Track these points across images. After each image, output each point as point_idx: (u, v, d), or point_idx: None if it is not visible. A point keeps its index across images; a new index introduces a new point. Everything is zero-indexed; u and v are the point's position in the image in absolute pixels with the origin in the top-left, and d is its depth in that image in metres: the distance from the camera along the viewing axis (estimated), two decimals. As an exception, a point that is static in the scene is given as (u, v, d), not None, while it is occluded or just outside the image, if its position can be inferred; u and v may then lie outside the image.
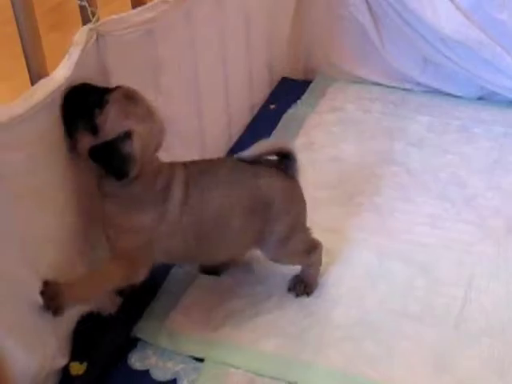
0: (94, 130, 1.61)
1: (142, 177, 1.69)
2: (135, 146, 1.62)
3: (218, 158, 1.95)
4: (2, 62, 3.19)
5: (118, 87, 1.67)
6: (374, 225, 2.26)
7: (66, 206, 1.69)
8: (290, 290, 2.02)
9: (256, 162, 1.86)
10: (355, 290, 2.03)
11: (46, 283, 1.62)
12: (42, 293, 1.61)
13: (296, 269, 2.01)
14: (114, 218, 1.73)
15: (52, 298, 1.61)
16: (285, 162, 1.89)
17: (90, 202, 1.77)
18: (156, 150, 1.73)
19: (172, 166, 1.79)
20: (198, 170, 1.82)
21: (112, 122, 1.61)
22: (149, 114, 1.69)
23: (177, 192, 1.75)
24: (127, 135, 1.61)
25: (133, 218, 1.72)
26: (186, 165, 1.82)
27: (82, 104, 1.62)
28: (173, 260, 1.94)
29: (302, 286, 2.00)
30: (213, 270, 2.08)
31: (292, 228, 1.91)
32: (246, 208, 1.82)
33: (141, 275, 1.79)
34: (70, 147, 1.67)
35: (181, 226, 1.77)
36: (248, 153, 1.86)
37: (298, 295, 2.00)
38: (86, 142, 1.62)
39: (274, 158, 1.90)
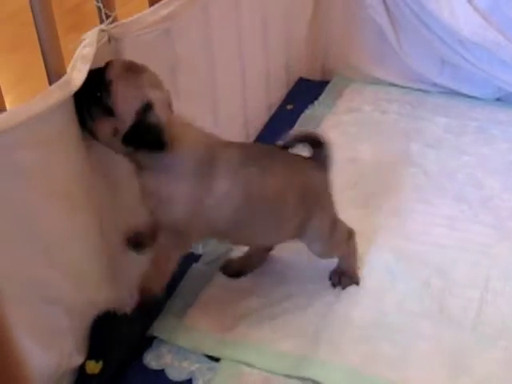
0: (110, 113, 1.58)
1: (171, 144, 1.65)
2: (159, 113, 1.61)
3: (269, 145, 1.93)
4: (21, 63, 3.22)
5: (110, 62, 1.63)
6: (391, 226, 2.25)
7: (84, 203, 1.69)
8: (334, 285, 2.03)
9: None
10: (373, 291, 2.02)
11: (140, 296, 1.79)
12: (139, 303, 1.81)
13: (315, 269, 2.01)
14: (153, 190, 1.70)
15: (145, 302, 1.79)
16: (319, 152, 1.90)
17: (107, 199, 1.78)
18: (171, 111, 1.71)
19: (225, 144, 1.78)
20: (257, 150, 1.85)
21: (125, 99, 1.58)
22: (156, 80, 1.67)
23: (225, 168, 1.72)
24: (148, 106, 1.59)
25: (172, 188, 1.69)
26: (242, 145, 1.84)
27: (87, 93, 1.58)
28: (215, 235, 1.90)
29: (347, 279, 2.02)
30: (233, 273, 2.08)
31: (334, 218, 1.94)
32: (298, 195, 1.83)
33: (188, 246, 1.85)
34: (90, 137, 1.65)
35: (229, 204, 1.74)
36: (286, 139, 1.88)
37: (344, 287, 2.02)
38: (105, 127, 1.60)
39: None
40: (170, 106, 1.70)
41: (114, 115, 1.58)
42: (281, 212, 1.83)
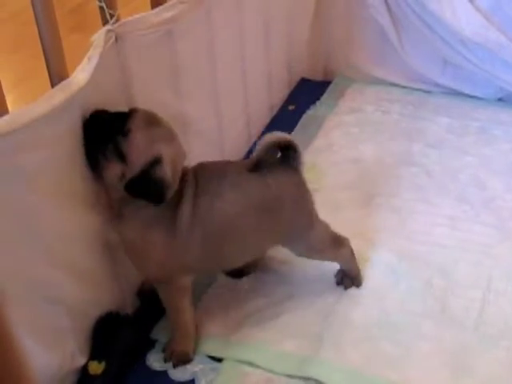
0: (122, 158, 1.62)
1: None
2: (167, 170, 1.64)
3: (226, 161, 1.94)
4: (23, 63, 3.22)
5: (134, 111, 1.67)
6: (393, 226, 2.25)
7: (86, 204, 1.70)
8: (338, 283, 2.03)
9: (261, 161, 1.81)
10: (375, 291, 2.03)
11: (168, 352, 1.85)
12: (173, 363, 1.84)
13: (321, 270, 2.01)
14: (135, 243, 1.74)
15: (178, 359, 1.84)
16: (287, 154, 1.84)
17: (109, 201, 1.78)
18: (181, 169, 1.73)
19: (184, 174, 1.76)
20: (206, 176, 1.79)
21: (139, 150, 1.62)
22: (171, 135, 1.70)
23: (186, 205, 1.74)
24: (157, 160, 1.63)
25: (152, 238, 1.73)
26: (195, 171, 1.79)
27: (104, 132, 1.62)
28: (194, 272, 1.87)
29: (349, 280, 2.02)
30: (235, 273, 2.08)
31: (309, 220, 1.90)
32: (257, 209, 1.79)
33: (183, 287, 1.83)
34: (94, 174, 1.69)
35: (193, 238, 1.75)
36: (255, 153, 1.83)
37: (346, 288, 2.02)
38: (114, 169, 1.63)
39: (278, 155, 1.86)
40: (180, 161, 1.72)
41: (126, 162, 1.62)
42: (246, 230, 1.81)
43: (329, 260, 2.00)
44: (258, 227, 1.82)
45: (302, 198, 1.88)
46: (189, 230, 1.74)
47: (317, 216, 1.92)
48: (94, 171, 1.68)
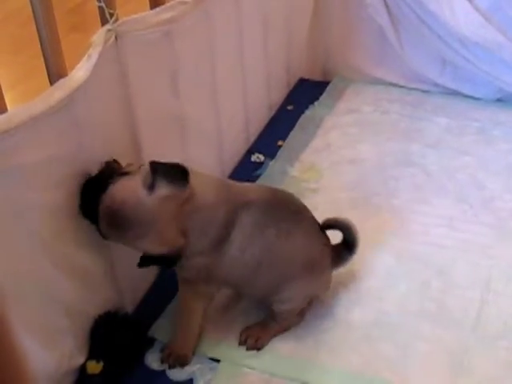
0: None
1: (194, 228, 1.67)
2: (156, 243, 1.62)
3: (303, 205, 1.88)
4: (22, 63, 3.22)
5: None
6: (391, 226, 2.25)
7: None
8: (240, 344, 1.91)
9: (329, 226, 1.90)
10: (373, 292, 2.03)
11: (167, 353, 1.85)
12: (169, 364, 1.84)
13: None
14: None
15: (175, 360, 1.83)
16: (342, 250, 1.93)
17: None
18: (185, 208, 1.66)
19: (238, 203, 1.74)
20: (281, 209, 1.80)
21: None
22: (143, 219, 1.61)
23: (239, 231, 1.72)
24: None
25: (195, 258, 1.72)
26: (264, 202, 1.78)
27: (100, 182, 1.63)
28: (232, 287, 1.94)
29: (253, 340, 1.90)
30: None
31: (305, 296, 1.91)
32: (306, 263, 1.83)
33: (208, 297, 1.85)
34: None
35: (239, 263, 1.76)
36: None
37: (247, 349, 1.90)
38: None
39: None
40: (183, 204, 1.65)
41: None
42: (283, 277, 1.82)
43: (285, 317, 1.92)
44: (294, 275, 1.82)
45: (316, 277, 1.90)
46: (238, 254, 1.74)
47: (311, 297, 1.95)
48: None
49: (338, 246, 1.93)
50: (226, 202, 1.73)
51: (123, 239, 1.64)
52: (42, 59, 1.59)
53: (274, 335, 1.91)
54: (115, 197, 1.59)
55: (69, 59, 1.63)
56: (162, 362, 1.85)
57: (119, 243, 1.66)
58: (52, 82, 1.58)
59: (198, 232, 1.68)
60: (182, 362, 1.84)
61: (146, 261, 1.68)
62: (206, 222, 1.69)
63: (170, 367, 1.84)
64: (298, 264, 1.82)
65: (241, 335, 1.91)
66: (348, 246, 1.92)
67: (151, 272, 2.07)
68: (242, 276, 1.79)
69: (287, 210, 1.83)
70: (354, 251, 1.92)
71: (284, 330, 1.92)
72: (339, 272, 2.00)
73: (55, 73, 1.58)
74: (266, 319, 1.93)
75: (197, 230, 1.67)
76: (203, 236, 1.69)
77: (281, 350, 1.87)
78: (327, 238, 1.90)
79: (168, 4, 1.92)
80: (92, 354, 1.79)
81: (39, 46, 1.58)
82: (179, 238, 1.63)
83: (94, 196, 1.61)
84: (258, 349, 1.88)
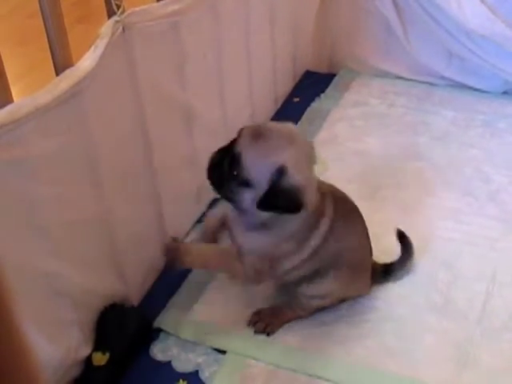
0: (248, 184, 1.60)
1: (309, 208, 1.68)
2: (293, 176, 1.59)
3: (352, 201, 1.91)
4: (29, 55, 3.22)
5: (240, 132, 1.66)
6: (397, 219, 2.25)
7: (92, 195, 1.70)
8: (248, 324, 1.93)
9: None
10: (379, 284, 2.03)
11: (168, 246, 1.84)
12: (165, 254, 1.84)
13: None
14: (263, 247, 1.75)
15: (172, 258, 1.82)
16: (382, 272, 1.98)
17: (116, 191, 1.79)
18: (312, 168, 1.69)
19: (323, 196, 1.76)
20: (345, 209, 1.83)
21: (257, 169, 1.59)
22: (287, 138, 1.64)
23: (323, 226, 1.74)
24: (280, 171, 1.58)
25: (281, 248, 1.73)
26: (334, 198, 1.80)
27: (222, 170, 1.63)
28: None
29: (263, 324, 1.91)
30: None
31: (338, 296, 1.93)
32: (354, 261, 1.86)
33: (259, 282, 1.87)
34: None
35: (315, 258, 1.77)
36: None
37: (256, 332, 1.91)
38: (246, 198, 1.63)
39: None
40: (309, 162, 1.68)
41: (253, 186, 1.60)
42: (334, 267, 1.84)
43: (307, 308, 1.94)
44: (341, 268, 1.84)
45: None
46: (316, 249, 1.75)
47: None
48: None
49: (378, 264, 1.98)
50: (319, 197, 1.74)
51: None
52: (49, 51, 1.59)
53: (286, 322, 1.92)
54: None
55: (75, 51, 1.63)
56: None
57: None
58: (58, 73, 1.58)
59: (296, 225, 1.71)
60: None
61: (265, 201, 1.62)
62: (305, 217, 1.71)
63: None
64: (346, 260, 1.83)
65: (252, 317, 1.93)
66: (390, 268, 1.98)
67: (157, 265, 2.07)
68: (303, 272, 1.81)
69: (347, 206, 1.86)
70: (392, 276, 1.99)
71: (296, 318, 1.93)
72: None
73: (62, 64, 1.59)
74: (279, 305, 1.94)
75: (295, 223, 1.71)
76: (297, 228, 1.72)
77: (286, 341, 1.88)
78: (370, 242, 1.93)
79: (174, -4, 1.92)
80: (98, 346, 1.79)
81: (45, 37, 1.58)
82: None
83: None
84: (268, 334, 1.89)
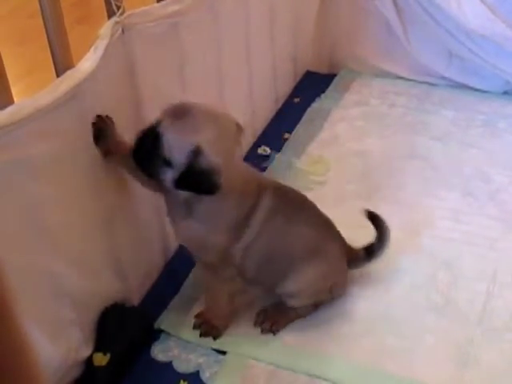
0: (169, 163, 1.60)
1: (231, 192, 1.68)
2: (210, 156, 1.59)
3: (304, 196, 1.91)
4: (29, 55, 3.22)
5: (162, 112, 1.64)
6: (397, 219, 2.24)
7: (93, 196, 1.70)
8: (255, 324, 1.93)
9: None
10: (378, 284, 2.03)
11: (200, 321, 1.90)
12: (201, 332, 1.89)
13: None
14: (199, 236, 1.74)
15: (208, 331, 1.89)
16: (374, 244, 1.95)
17: (114, 192, 1.79)
18: (234, 150, 1.70)
19: (261, 186, 1.78)
20: (286, 199, 1.83)
21: (175, 148, 1.58)
22: (207, 119, 1.63)
23: (259, 215, 1.75)
24: (196, 152, 1.58)
25: (216, 236, 1.73)
26: (276, 189, 1.81)
27: (145, 149, 1.62)
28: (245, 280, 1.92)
29: (269, 324, 1.92)
30: None
31: (325, 289, 1.92)
32: (312, 252, 1.84)
33: (229, 278, 1.85)
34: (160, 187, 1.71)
35: (253, 248, 1.77)
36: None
37: (262, 332, 1.91)
38: (168, 177, 1.62)
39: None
40: (234, 143, 1.69)
41: (172, 165, 1.60)
42: (284, 260, 1.84)
43: (298, 307, 1.94)
44: (299, 260, 1.84)
45: (337, 269, 1.94)
46: (254, 238, 1.76)
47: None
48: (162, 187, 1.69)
49: (358, 249, 1.96)
50: (253, 186, 1.76)
51: None
52: (49, 51, 1.59)
53: (291, 321, 1.92)
54: None
55: (75, 51, 1.63)
56: (194, 327, 1.90)
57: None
58: (59, 73, 1.58)
59: (226, 212, 1.71)
60: (215, 334, 1.88)
61: (181, 180, 1.62)
62: (235, 204, 1.72)
63: (202, 335, 1.88)
64: (301, 251, 1.83)
65: (257, 316, 1.93)
66: (371, 249, 1.95)
67: (157, 265, 2.07)
68: (256, 263, 1.80)
69: (293, 199, 1.85)
70: (377, 255, 1.96)
71: (300, 316, 1.93)
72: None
73: (62, 65, 1.59)
74: (283, 305, 1.93)
75: (225, 210, 1.71)
76: (229, 216, 1.72)
77: (287, 341, 1.88)
78: (336, 231, 1.92)
79: (174, -4, 1.92)
80: (99, 346, 1.79)
81: (46, 38, 1.58)
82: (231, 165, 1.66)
83: None
84: (273, 332, 1.90)
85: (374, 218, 1.96)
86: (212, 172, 1.59)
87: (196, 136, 1.59)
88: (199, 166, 1.58)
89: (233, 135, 1.68)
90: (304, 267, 1.83)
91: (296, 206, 1.84)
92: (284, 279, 1.85)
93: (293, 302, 1.90)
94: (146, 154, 1.62)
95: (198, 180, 1.60)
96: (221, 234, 1.73)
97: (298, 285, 1.85)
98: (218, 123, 1.65)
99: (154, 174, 1.64)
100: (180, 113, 1.62)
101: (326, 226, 1.90)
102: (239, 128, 1.70)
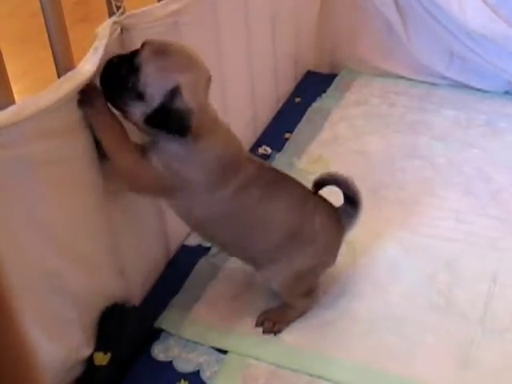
0: (141, 97, 1.57)
1: (196, 134, 1.64)
2: (186, 98, 1.58)
3: (290, 177, 1.90)
4: (30, 53, 3.22)
5: (143, 45, 1.61)
6: (398, 219, 2.25)
7: (94, 195, 1.70)
8: (256, 325, 1.93)
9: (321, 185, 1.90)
10: (379, 284, 2.03)
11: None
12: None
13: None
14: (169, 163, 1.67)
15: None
16: (346, 208, 1.90)
17: (116, 191, 1.78)
18: (205, 97, 1.69)
19: (247, 158, 1.80)
20: (271, 176, 1.82)
21: (153, 83, 1.56)
22: (189, 62, 1.63)
23: (240, 180, 1.73)
24: (174, 91, 1.56)
25: (187, 172, 1.68)
26: (260, 166, 1.81)
27: (118, 77, 1.58)
28: (204, 237, 1.92)
29: (271, 324, 1.92)
30: None
31: (310, 270, 1.89)
32: (290, 232, 1.82)
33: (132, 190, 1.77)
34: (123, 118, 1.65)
35: (224, 210, 1.75)
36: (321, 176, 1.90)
37: (264, 332, 1.91)
38: (137, 111, 1.59)
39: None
40: (206, 90, 1.69)
41: (144, 99, 1.57)
42: (266, 237, 1.82)
43: (285, 300, 1.94)
44: (277, 241, 1.82)
45: (326, 251, 1.91)
46: (227, 201, 1.73)
47: (318, 274, 1.95)
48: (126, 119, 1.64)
49: (340, 207, 1.92)
50: (234, 144, 1.77)
51: None
52: (50, 50, 1.59)
53: (292, 320, 1.92)
54: None
55: (76, 50, 1.63)
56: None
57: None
58: (59, 72, 1.58)
59: (209, 146, 1.69)
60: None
61: (153, 117, 1.59)
62: (216, 158, 1.70)
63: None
64: (280, 229, 1.82)
65: (258, 317, 1.93)
66: (351, 201, 1.90)
67: (159, 264, 2.07)
68: (224, 226, 1.79)
69: (274, 177, 1.83)
70: (359, 204, 1.90)
71: (301, 314, 1.93)
72: (344, 263, 2.01)
73: (63, 64, 1.59)
74: (283, 305, 1.94)
75: (208, 142, 1.68)
76: (211, 154, 1.70)
77: (287, 341, 1.88)
78: (322, 206, 1.89)
79: (174, -5, 1.91)
80: (99, 346, 1.79)
81: (47, 36, 1.58)
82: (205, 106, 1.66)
83: None
84: (275, 333, 1.90)
85: (326, 181, 1.92)
86: (186, 114, 1.58)
87: (177, 76, 1.58)
88: (175, 106, 1.57)
89: (206, 82, 1.68)
90: (287, 246, 1.82)
91: (277, 185, 1.82)
92: (264, 256, 1.84)
93: (276, 285, 1.89)
94: (118, 82, 1.59)
95: (170, 119, 1.58)
96: (197, 173, 1.69)
97: (281, 265, 1.84)
98: (197, 67, 1.65)
99: (122, 104, 1.61)
100: (160, 50, 1.61)
101: (311, 204, 1.87)
102: (210, 76, 1.70)
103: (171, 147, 1.65)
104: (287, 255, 1.83)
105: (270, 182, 1.80)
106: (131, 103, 1.59)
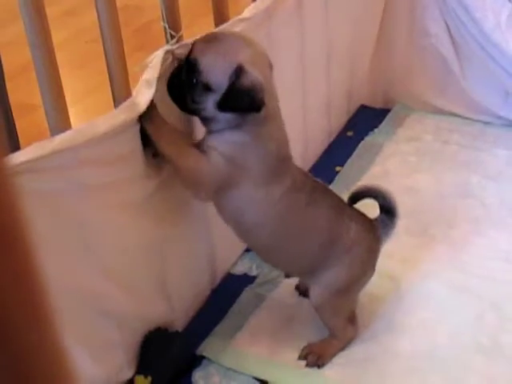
0: (208, 88, 1.59)
1: (266, 122, 1.66)
2: (252, 74, 1.59)
3: (328, 187, 1.93)
4: (89, 77, 3.29)
5: (193, 43, 1.65)
6: (446, 257, 2.23)
7: (145, 220, 1.72)
8: (300, 358, 1.92)
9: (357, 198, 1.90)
10: (424, 322, 2.00)
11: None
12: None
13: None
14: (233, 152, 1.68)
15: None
16: (383, 219, 1.90)
17: (166, 219, 1.80)
18: (271, 77, 1.69)
19: (292, 163, 1.80)
20: (314, 183, 1.82)
21: (215, 70, 1.59)
22: (243, 41, 1.65)
23: (290, 181, 1.74)
24: (238, 70, 1.58)
25: (248, 160, 1.68)
26: (304, 171, 1.86)
27: (182, 83, 1.62)
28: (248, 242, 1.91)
29: (315, 357, 1.90)
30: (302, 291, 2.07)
31: (348, 283, 1.87)
32: (328, 239, 1.82)
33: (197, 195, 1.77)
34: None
35: (273, 212, 1.75)
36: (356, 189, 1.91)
37: (308, 365, 1.90)
38: (209, 103, 1.61)
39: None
40: (268, 69, 1.70)
41: (213, 89, 1.59)
42: (304, 246, 1.83)
43: (329, 327, 1.93)
44: (314, 250, 1.83)
45: (363, 263, 1.89)
46: (273, 200, 1.73)
47: (358, 290, 1.93)
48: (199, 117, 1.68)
49: (377, 218, 1.91)
50: (289, 149, 1.78)
51: None
52: (106, 75, 1.62)
53: (336, 353, 1.92)
54: None
55: (132, 78, 1.65)
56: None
57: None
58: (115, 98, 1.61)
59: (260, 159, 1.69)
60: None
61: (225, 101, 1.60)
62: (276, 148, 1.72)
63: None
64: (319, 236, 1.82)
65: (302, 350, 1.92)
66: (387, 212, 1.90)
67: (204, 291, 2.08)
68: (269, 233, 1.78)
69: (316, 184, 1.84)
70: (396, 215, 1.90)
71: (344, 345, 1.92)
72: (390, 300, 2.00)
73: (119, 91, 1.62)
74: (326, 338, 1.93)
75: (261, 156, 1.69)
76: (262, 163, 1.70)
77: (328, 375, 1.86)
78: (358, 216, 1.88)
79: (229, 21, 1.93)
80: (140, 369, 1.80)
81: (104, 62, 1.61)
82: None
83: None
84: (319, 366, 1.89)
85: (363, 193, 1.92)
86: (255, 89, 1.59)
87: (236, 56, 1.60)
88: (243, 84, 1.58)
89: (268, 64, 1.69)
90: (324, 255, 1.82)
91: (321, 194, 1.83)
92: (298, 265, 1.87)
93: (314, 300, 1.88)
94: (183, 86, 1.61)
95: (243, 98, 1.59)
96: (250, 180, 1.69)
97: (318, 276, 1.84)
98: (254, 46, 1.67)
99: (194, 104, 1.63)
100: (211, 38, 1.64)
101: (346, 211, 1.87)
102: (270, 64, 1.70)
103: (236, 136, 1.66)
104: (324, 264, 1.82)
105: (313, 189, 1.81)
106: (201, 98, 1.61)
